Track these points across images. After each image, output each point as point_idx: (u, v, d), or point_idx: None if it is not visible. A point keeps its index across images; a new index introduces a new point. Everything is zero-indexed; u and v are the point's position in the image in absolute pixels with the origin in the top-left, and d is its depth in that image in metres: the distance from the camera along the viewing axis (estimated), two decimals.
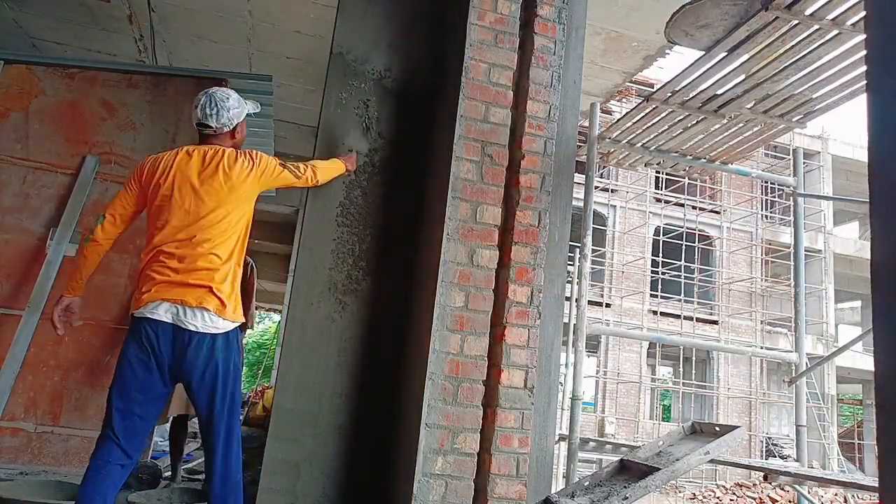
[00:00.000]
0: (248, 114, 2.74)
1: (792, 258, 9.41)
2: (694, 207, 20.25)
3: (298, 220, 10.80)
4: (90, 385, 4.06)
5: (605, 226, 20.05)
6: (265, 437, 2.96)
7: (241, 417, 8.83)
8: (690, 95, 4.07)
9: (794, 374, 5.08)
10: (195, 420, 5.82)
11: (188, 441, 5.45)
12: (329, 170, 2.98)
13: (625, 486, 2.86)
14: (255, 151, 2.66)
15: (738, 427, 3.15)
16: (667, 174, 16.58)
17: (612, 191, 20.28)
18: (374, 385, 3.20)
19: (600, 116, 5.00)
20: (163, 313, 2.31)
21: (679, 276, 18.19)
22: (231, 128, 2.66)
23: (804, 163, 9.28)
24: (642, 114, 4.43)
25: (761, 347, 18.44)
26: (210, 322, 2.35)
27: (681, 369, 18.79)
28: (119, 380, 2.31)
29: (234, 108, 2.64)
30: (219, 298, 2.38)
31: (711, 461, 3.21)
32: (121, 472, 2.28)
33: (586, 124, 4.90)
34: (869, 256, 0.97)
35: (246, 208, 2.60)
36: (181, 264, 2.37)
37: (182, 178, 2.47)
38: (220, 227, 2.46)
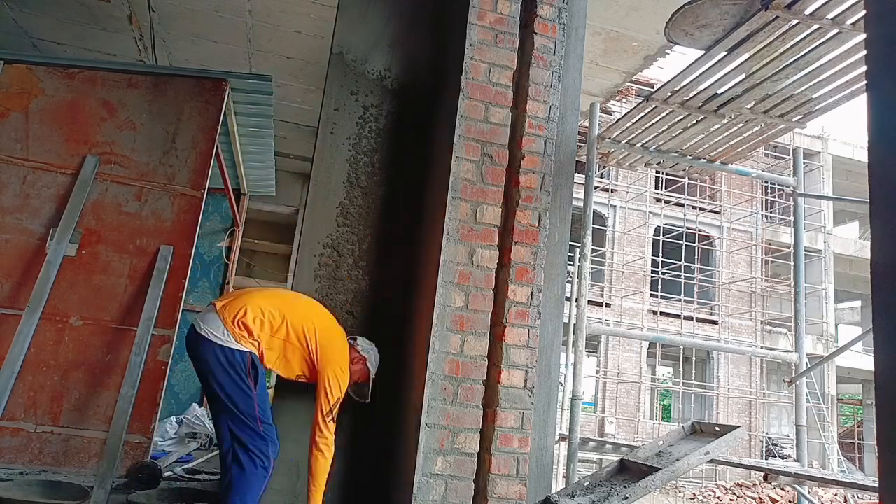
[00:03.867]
0: (369, 368, 3.01)
1: (792, 258, 9.39)
2: (694, 207, 20.24)
3: (298, 220, 10.81)
4: (90, 385, 4.05)
5: (605, 226, 20.04)
6: None
7: None
8: (690, 95, 4.07)
9: (794, 374, 5.08)
10: (194, 421, 5.81)
11: (188, 441, 5.44)
12: (324, 468, 2.78)
13: (625, 486, 2.86)
14: (344, 370, 2.89)
15: (738, 427, 3.15)
16: (667, 174, 16.58)
17: (612, 191, 20.27)
18: (375, 385, 3.20)
19: (600, 116, 5.00)
20: None
21: (679, 276, 18.18)
22: (362, 355, 2.98)
23: (804, 163, 9.27)
24: (642, 114, 4.43)
25: (761, 347, 18.44)
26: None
27: (681, 369, 18.78)
28: None
29: (376, 360, 3.03)
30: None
31: (711, 461, 3.21)
32: None
33: (586, 124, 4.90)
34: (869, 256, 0.97)
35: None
36: None
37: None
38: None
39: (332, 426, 2.78)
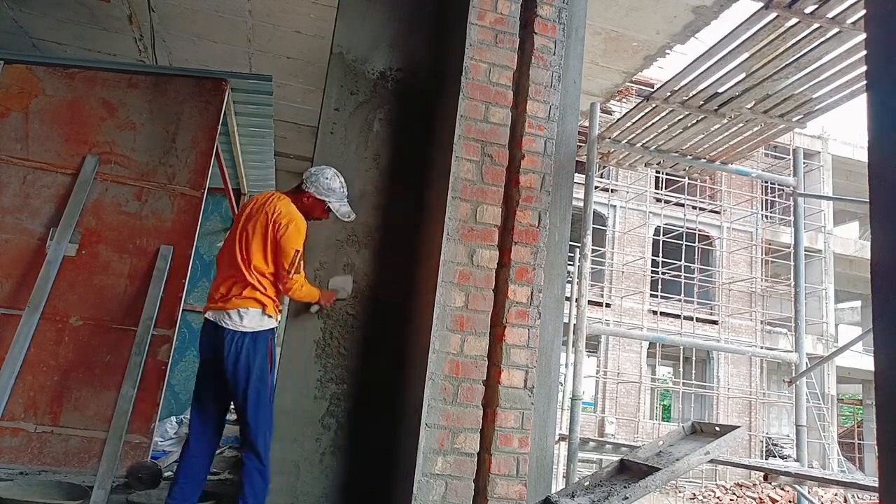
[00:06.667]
0: (330, 206, 3.01)
1: (792, 258, 9.39)
2: (694, 207, 20.23)
3: None
4: (90, 385, 4.05)
5: (605, 226, 20.04)
6: None
7: None
8: (690, 94, 4.07)
9: (794, 374, 5.08)
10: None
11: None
12: (308, 293, 3.03)
13: (625, 486, 2.86)
14: (293, 223, 2.87)
15: (738, 427, 3.14)
16: (667, 174, 16.58)
17: (612, 191, 20.27)
18: (375, 385, 3.20)
19: (600, 116, 4.99)
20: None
21: (679, 276, 18.18)
22: (306, 191, 2.97)
23: (804, 163, 9.27)
24: (642, 113, 4.43)
25: (761, 347, 18.43)
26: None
27: (681, 369, 18.78)
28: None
29: (328, 187, 2.98)
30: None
31: (711, 461, 3.21)
32: None
33: (586, 124, 4.90)
34: (869, 256, 0.97)
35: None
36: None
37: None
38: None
39: (297, 275, 2.85)
